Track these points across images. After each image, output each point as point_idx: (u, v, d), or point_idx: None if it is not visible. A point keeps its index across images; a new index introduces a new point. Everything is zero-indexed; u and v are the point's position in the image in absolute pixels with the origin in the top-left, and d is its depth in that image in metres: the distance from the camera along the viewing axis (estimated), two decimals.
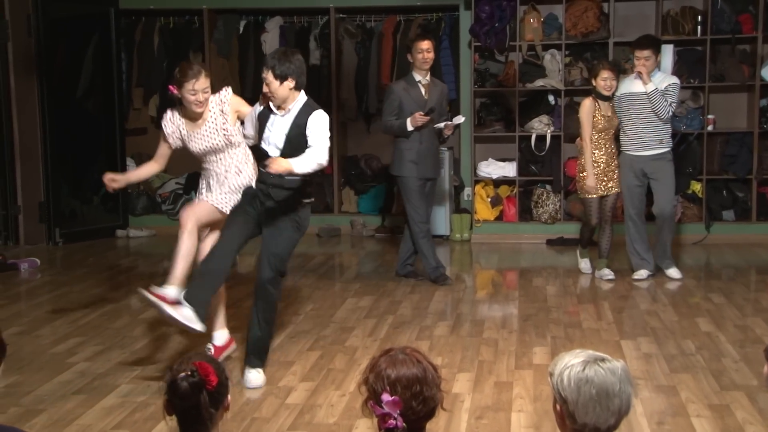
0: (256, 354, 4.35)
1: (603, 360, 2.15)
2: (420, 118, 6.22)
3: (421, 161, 6.40)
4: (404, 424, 2.13)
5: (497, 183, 8.54)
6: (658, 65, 6.43)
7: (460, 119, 6.48)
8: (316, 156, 4.17)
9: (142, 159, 9.35)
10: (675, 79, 6.46)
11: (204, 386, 2.21)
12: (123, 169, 9.14)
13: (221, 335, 4.69)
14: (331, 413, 3.94)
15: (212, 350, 4.61)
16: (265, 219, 4.31)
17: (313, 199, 4.42)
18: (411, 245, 6.62)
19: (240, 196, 4.46)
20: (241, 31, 9.10)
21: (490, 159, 8.52)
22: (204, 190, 4.68)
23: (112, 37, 8.93)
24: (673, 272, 6.51)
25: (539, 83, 8.39)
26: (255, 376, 4.31)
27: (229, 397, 2.33)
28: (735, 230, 8.21)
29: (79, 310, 5.87)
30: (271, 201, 4.29)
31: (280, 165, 4.08)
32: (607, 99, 6.38)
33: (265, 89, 4.25)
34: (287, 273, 4.51)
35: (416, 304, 6.04)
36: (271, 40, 8.96)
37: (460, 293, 6.26)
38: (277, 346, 4.99)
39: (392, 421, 2.11)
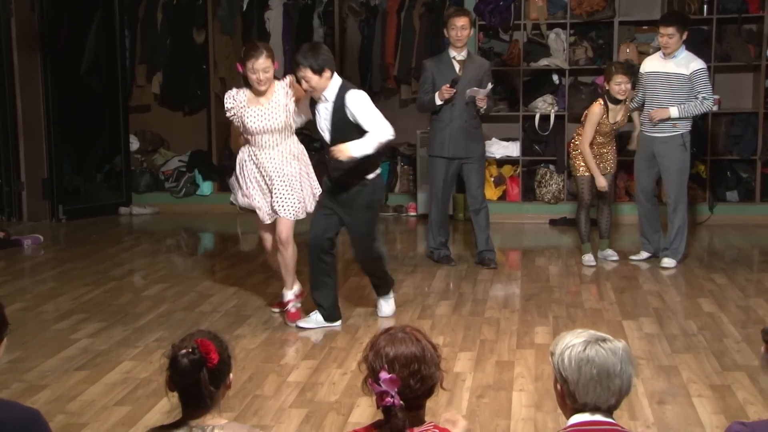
0: (382, 287, 5.07)
1: (604, 340, 2.15)
2: (446, 90, 6.08)
3: (452, 140, 6.25)
4: (402, 402, 2.13)
5: (501, 162, 8.52)
6: (682, 43, 6.19)
7: (487, 88, 6.19)
8: (374, 136, 4.47)
9: (145, 136, 9.38)
10: (700, 63, 6.18)
11: (204, 364, 2.21)
12: (126, 146, 9.16)
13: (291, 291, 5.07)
14: (332, 391, 3.95)
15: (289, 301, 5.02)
16: (340, 207, 4.72)
17: (376, 172, 4.75)
18: (476, 228, 6.48)
19: (292, 188, 4.82)
20: (244, 9, 9.05)
21: (493, 138, 8.49)
22: (253, 191, 4.89)
23: (116, 13, 8.91)
24: (666, 261, 6.31)
25: (543, 62, 8.35)
26: (384, 305, 5.09)
27: (231, 375, 2.33)
28: (739, 211, 8.19)
29: (83, 287, 5.88)
30: (338, 187, 4.67)
31: (341, 152, 4.41)
32: (618, 102, 6.24)
33: (305, 86, 4.53)
34: (382, 253, 5.00)
35: (418, 283, 6.04)
36: (274, 17, 8.92)
37: (462, 272, 6.26)
38: (278, 325, 5.01)
39: (389, 399, 2.11)
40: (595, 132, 6.23)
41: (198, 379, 2.21)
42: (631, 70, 6.52)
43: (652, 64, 6.33)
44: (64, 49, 8.49)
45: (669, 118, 6.13)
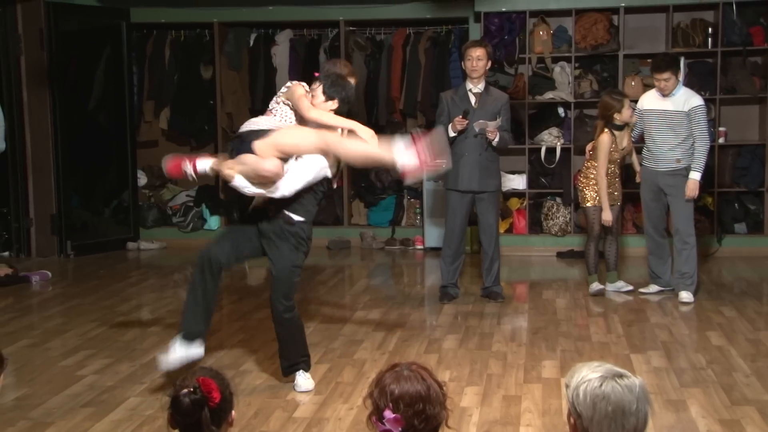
0: (296, 361, 4.47)
1: (621, 376, 2.10)
2: (458, 122, 6.05)
3: (466, 173, 6.19)
4: None
5: (507, 195, 8.52)
6: (678, 82, 6.24)
7: (497, 120, 6.14)
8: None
9: (153, 171, 9.42)
10: (698, 100, 6.21)
11: (206, 403, 2.20)
12: (134, 181, 9.20)
13: None
14: (338, 427, 3.93)
15: None
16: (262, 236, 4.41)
17: (302, 219, 4.30)
18: (485, 262, 6.43)
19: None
20: (251, 44, 9.14)
21: (500, 172, 8.48)
22: None
23: (124, 50, 8.99)
24: (684, 296, 6.25)
25: (549, 95, 8.39)
26: (302, 380, 4.44)
27: (234, 412, 2.32)
28: (747, 243, 8.17)
29: (90, 323, 5.88)
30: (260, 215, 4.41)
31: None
32: (621, 128, 6.34)
33: (309, 98, 4.41)
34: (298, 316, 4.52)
35: (425, 317, 6.03)
36: (281, 52, 9.00)
37: (469, 306, 6.24)
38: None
39: None
40: (609, 162, 6.28)
41: (200, 419, 2.20)
42: (622, 95, 6.51)
43: (650, 102, 6.35)
44: (72, 86, 8.57)
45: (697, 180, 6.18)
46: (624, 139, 6.36)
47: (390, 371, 2.24)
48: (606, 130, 6.29)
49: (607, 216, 6.31)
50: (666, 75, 6.15)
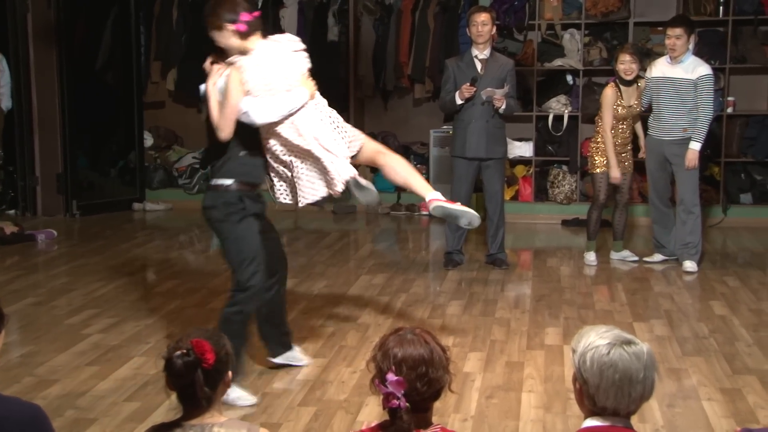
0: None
1: (629, 343, 2.06)
2: (466, 89, 6.01)
3: (473, 140, 6.17)
4: (408, 404, 2.12)
5: (513, 163, 8.50)
6: (689, 47, 6.19)
7: (504, 88, 6.11)
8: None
9: (159, 132, 9.42)
10: (707, 69, 6.15)
11: (199, 365, 2.19)
12: (140, 142, 9.19)
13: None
14: (342, 390, 3.96)
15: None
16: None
17: (225, 183, 3.82)
18: (490, 229, 6.42)
19: None
20: (259, 6, 9.06)
21: (507, 138, 8.46)
22: None
23: (131, 9, 8.94)
24: (688, 265, 6.24)
25: (558, 63, 8.33)
26: (234, 392, 3.70)
27: (230, 373, 2.32)
28: (752, 213, 8.15)
29: (95, 282, 5.91)
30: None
31: None
32: (630, 84, 6.27)
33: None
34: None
35: (429, 282, 6.04)
36: (289, 15, 8.93)
37: (473, 272, 6.26)
38: (289, 321, 5.00)
39: (396, 401, 2.10)
40: (615, 119, 6.24)
41: (193, 381, 2.19)
42: (639, 51, 6.50)
43: (658, 69, 6.31)
44: (79, 45, 8.54)
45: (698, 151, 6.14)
46: (632, 97, 6.30)
47: (393, 335, 2.25)
48: (612, 84, 6.27)
49: (615, 173, 6.27)
50: (678, 31, 6.08)
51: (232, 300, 3.85)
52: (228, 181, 3.82)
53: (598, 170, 6.36)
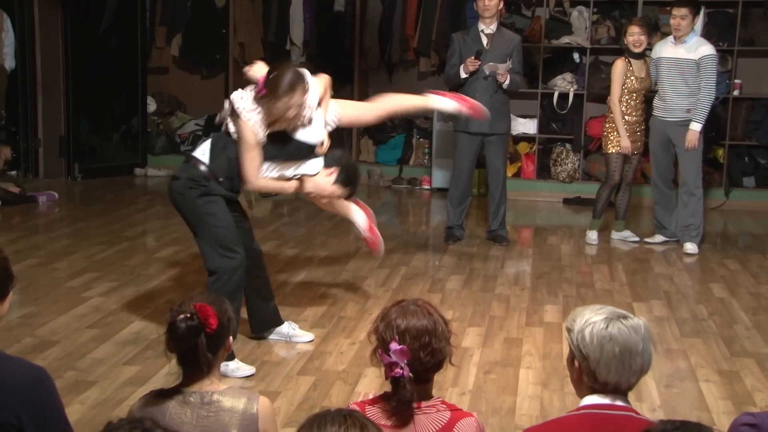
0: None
1: (625, 317, 2.09)
2: (471, 62, 5.98)
3: None
4: (411, 374, 2.13)
5: (517, 139, 8.47)
6: (693, 28, 6.20)
7: (507, 63, 6.07)
8: None
9: (162, 98, 9.37)
10: (710, 50, 6.12)
11: (203, 329, 2.19)
12: (143, 107, 9.16)
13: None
14: (340, 360, 3.97)
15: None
16: None
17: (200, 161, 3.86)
18: (491, 205, 6.42)
19: None
20: None
21: (511, 115, 8.42)
22: None
23: None
24: (689, 247, 6.23)
25: (565, 40, 8.28)
26: (233, 363, 3.76)
27: (231, 339, 2.32)
28: (755, 197, 8.14)
29: (96, 246, 5.91)
30: None
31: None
32: (639, 57, 6.25)
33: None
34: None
35: (430, 256, 6.05)
36: None
37: (473, 248, 6.26)
38: (289, 291, 5.02)
39: (399, 370, 2.11)
40: (627, 92, 6.22)
41: (195, 345, 2.20)
42: (649, 23, 6.45)
43: (663, 50, 6.28)
44: (84, 8, 8.48)
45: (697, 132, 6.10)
46: (642, 70, 6.27)
47: (396, 306, 2.25)
48: (623, 57, 6.25)
49: (625, 142, 6.25)
50: (683, 11, 6.05)
51: (208, 287, 3.73)
52: (204, 162, 3.83)
53: (612, 150, 6.32)
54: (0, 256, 2.14)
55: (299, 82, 3.69)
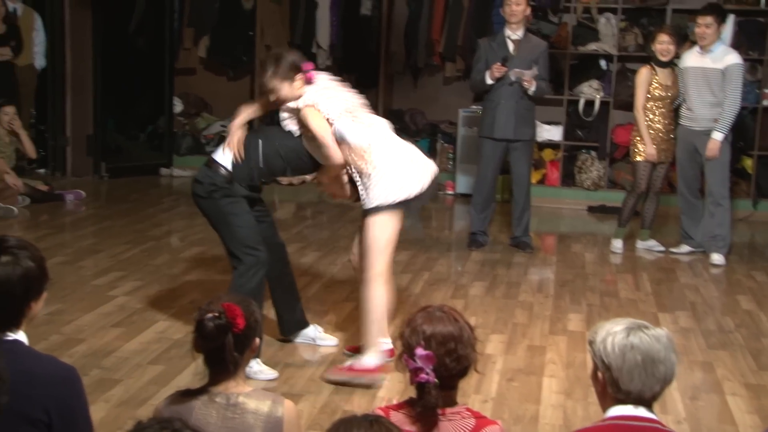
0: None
1: (646, 327, 2.10)
2: (497, 69, 5.98)
3: (501, 121, 6.13)
4: (436, 380, 2.12)
5: (541, 146, 8.43)
6: (719, 36, 6.18)
7: (533, 69, 6.06)
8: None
9: (189, 99, 9.43)
10: (736, 59, 6.07)
11: (230, 329, 2.20)
12: (170, 108, 9.22)
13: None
14: None
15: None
16: None
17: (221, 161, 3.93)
18: (515, 211, 6.42)
19: None
20: None
21: (536, 121, 8.40)
22: None
23: None
24: (716, 258, 6.17)
25: (592, 47, 8.24)
26: (256, 366, 3.75)
27: (257, 340, 2.32)
28: None
29: (121, 245, 5.95)
30: None
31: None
32: (666, 66, 6.20)
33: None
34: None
35: (453, 262, 6.04)
36: None
37: (497, 254, 6.24)
38: (312, 295, 5.03)
39: (424, 376, 2.11)
40: (652, 100, 6.17)
41: (223, 344, 2.20)
42: (678, 32, 6.40)
43: (689, 59, 6.23)
44: (114, 8, 8.55)
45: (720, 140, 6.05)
46: (669, 79, 6.22)
47: (422, 312, 2.25)
48: (648, 65, 6.21)
49: (650, 149, 6.20)
50: (708, 20, 6.01)
51: (232, 283, 3.81)
52: (226, 166, 3.89)
53: (639, 158, 6.28)
54: (37, 255, 2.16)
55: (269, 62, 3.81)
